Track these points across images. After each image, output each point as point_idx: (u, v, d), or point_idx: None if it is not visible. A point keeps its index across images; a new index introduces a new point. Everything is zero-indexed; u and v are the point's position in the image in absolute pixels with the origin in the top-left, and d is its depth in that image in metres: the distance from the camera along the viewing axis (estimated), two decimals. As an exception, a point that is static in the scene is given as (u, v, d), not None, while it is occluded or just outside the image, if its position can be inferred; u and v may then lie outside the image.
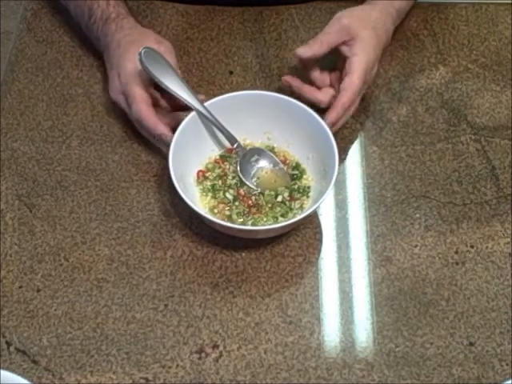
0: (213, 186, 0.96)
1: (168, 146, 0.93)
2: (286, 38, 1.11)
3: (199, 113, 0.95)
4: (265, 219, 0.93)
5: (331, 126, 0.96)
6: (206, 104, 0.96)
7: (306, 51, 0.99)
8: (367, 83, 1.02)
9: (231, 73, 1.09)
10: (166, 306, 0.89)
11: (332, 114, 0.97)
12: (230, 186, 0.96)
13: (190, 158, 0.96)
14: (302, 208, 0.94)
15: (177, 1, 1.15)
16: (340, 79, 1.00)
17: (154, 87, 1.00)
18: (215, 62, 1.10)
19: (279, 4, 1.15)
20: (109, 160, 1.00)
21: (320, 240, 0.94)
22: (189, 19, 1.14)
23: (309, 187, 0.96)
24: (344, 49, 1.00)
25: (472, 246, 0.93)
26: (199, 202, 0.95)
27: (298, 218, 0.89)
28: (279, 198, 0.95)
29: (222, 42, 1.12)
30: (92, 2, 1.05)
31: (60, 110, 1.05)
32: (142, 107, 0.96)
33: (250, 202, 0.95)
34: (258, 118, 0.98)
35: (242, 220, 0.93)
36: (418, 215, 0.96)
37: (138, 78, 0.97)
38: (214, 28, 1.13)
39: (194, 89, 0.99)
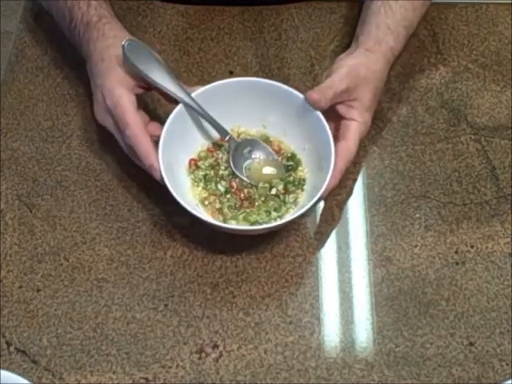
0: (205, 175, 0.94)
1: (156, 179, 0.90)
2: (286, 38, 1.11)
3: (188, 106, 0.93)
4: (257, 213, 0.92)
5: (329, 191, 0.91)
6: (196, 93, 0.93)
7: (319, 99, 0.92)
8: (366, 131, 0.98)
9: (231, 73, 1.09)
10: (165, 306, 0.89)
11: (331, 181, 0.90)
12: (222, 177, 0.94)
13: (181, 150, 0.94)
14: (295, 202, 0.93)
15: (177, 1, 1.15)
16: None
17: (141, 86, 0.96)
18: (215, 62, 1.09)
19: (279, 3, 1.15)
20: (109, 160, 1.00)
21: (320, 240, 0.94)
22: (189, 19, 1.14)
23: (304, 180, 0.94)
24: (341, 108, 0.94)
25: (472, 246, 0.93)
26: (190, 192, 0.94)
27: (295, 214, 0.88)
28: (273, 191, 0.93)
29: (222, 42, 1.12)
30: (72, 3, 0.98)
31: (60, 110, 1.05)
32: (137, 133, 0.89)
33: (242, 195, 0.93)
34: (254, 104, 0.96)
35: (233, 214, 0.92)
36: (417, 215, 0.96)
37: (126, 100, 0.91)
38: (214, 28, 1.13)
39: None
